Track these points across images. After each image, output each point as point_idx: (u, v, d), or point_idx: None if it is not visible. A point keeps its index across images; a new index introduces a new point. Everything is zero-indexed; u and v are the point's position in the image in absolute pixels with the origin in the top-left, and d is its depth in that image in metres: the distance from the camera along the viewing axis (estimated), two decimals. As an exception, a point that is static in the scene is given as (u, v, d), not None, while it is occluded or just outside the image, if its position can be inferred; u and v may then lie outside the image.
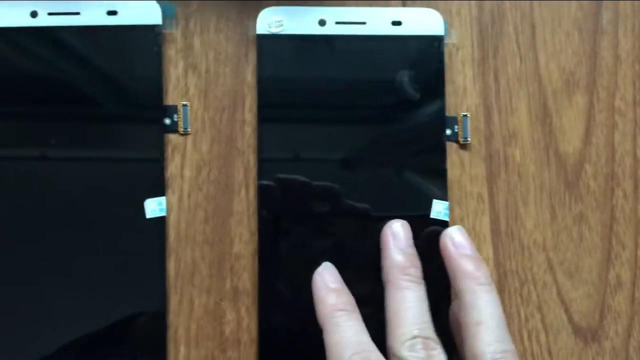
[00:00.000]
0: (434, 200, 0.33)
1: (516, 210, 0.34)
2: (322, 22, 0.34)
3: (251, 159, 0.34)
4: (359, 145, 0.34)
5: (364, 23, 0.34)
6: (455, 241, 0.31)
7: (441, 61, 0.34)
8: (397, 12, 0.34)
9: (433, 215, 0.33)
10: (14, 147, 0.33)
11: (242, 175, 0.34)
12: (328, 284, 0.31)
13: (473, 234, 0.34)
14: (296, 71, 0.34)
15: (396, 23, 0.34)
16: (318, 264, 0.32)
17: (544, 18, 0.35)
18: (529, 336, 0.34)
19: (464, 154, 0.34)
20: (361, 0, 0.35)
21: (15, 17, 0.33)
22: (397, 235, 0.31)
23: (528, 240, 0.34)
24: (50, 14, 0.33)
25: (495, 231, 0.34)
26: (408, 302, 0.29)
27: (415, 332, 0.29)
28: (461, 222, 0.34)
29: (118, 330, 0.32)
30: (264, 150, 0.33)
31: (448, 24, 0.35)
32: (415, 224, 0.32)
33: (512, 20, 0.35)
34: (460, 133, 0.34)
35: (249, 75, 0.34)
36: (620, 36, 0.35)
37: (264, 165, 0.33)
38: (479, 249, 0.34)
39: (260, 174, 0.33)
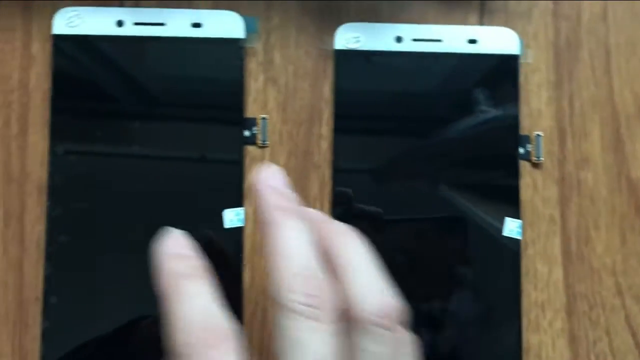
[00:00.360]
0: (507, 218, 0.34)
1: (587, 234, 0.35)
2: (398, 39, 0.35)
3: (326, 173, 0.34)
4: (433, 160, 0.34)
5: (440, 40, 0.35)
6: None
7: (516, 79, 0.35)
8: (473, 31, 0.35)
9: (505, 233, 0.33)
10: (95, 145, 0.33)
11: (317, 189, 0.34)
12: (169, 250, 0.25)
13: (544, 255, 0.34)
14: (372, 86, 0.35)
15: (472, 41, 0.35)
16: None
17: (618, 44, 0.36)
18: (597, 359, 0.34)
19: (537, 175, 0.35)
20: (438, 17, 0.35)
21: (102, 26, 0.34)
22: (264, 178, 0.26)
23: (598, 264, 0.35)
24: (136, 23, 0.34)
25: (566, 253, 0.34)
26: (284, 238, 0.25)
27: (295, 270, 0.24)
28: (533, 243, 0.34)
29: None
30: (339, 162, 0.34)
31: (524, 44, 0.35)
32: (487, 241, 0.33)
33: (588, 46, 0.36)
34: (533, 152, 0.35)
35: (327, 91, 0.35)
36: (695, 65, 0.36)
37: (339, 176, 0.34)
38: (549, 271, 0.34)
39: (335, 186, 0.34)
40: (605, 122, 0.35)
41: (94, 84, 0.34)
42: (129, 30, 0.34)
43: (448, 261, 0.33)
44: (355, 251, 0.26)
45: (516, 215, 0.34)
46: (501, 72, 0.35)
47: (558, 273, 0.34)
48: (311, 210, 0.28)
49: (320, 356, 0.23)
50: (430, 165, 0.34)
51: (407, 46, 0.35)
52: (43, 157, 0.34)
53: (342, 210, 0.33)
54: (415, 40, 0.35)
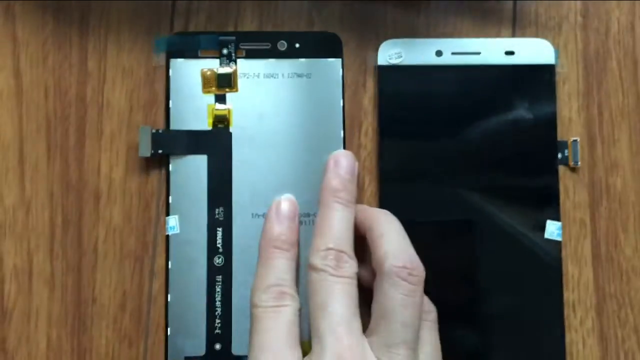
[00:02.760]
0: (548, 221, 0.35)
1: (616, 237, 0.36)
2: (438, 53, 0.36)
3: (366, 180, 0.36)
4: (474, 168, 0.36)
5: (478, 53, 0.36)
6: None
7: (553, 88, 0.36)
8: (510, 43, 0.36)
9: (547, 235, 0.35)
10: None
11: (359, 195, 0.36)
12: (280, 217, 0.33)
13: (575, 257, 0.36)
14: (414, 99, 0.36)
15: (509, 53, 0.36)
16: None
17: (646, 55, 0.37)
18: (625, 357, 0.36)
19: (569, 181, 0.36)
20: (472, 31, 0.37)
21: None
22: (338, 163, 0.33)
23: (627, 265, 0.36)
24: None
25: (596, 255, 0.36)
26: (331, 220, 0.32)
27: (331, 245, 0.31)
28: (564, 245, 0.36)
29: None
30: (385, 173, 0.36)
31: (559, 53, 0.37)
32: (530, 244, 0.35)
33: (616, 57, 0.37)
34: (570, 157, 0.36)
35: (366, 103, 0.37)
36: None
37: (385, 185, 0.36)
38: (580, 272, 0.36)
39: (381, 192, 0.36)
40: (634, 130, 0.37)
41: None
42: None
43: (493, 266, 0.35)
44: (388, 225, 0.32)
45: (556, 217, 0.35)
46: (538, 81, 0.36)
47: (588, 274, 0.36)
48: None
49: (341, 295, 0.30)
50: (473, 174, 0.36)
51: (447, 59, 0.36)
52: (98, 166, 0.36)
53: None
54: (454, 53, 0.36)
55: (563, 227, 0.36)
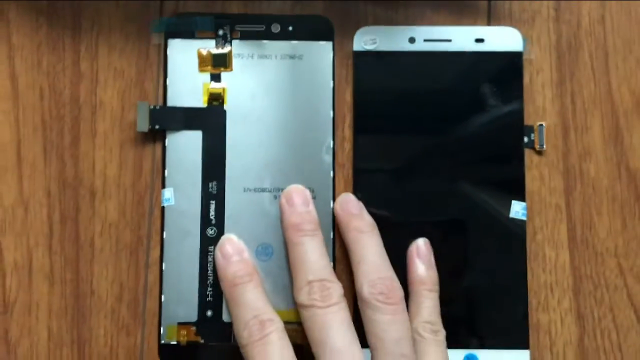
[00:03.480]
0: (513, 201, 0.37)
1: (590, 220, 0.38)
2: (412, 40, 0.38)
3: (349, 172, 0.38)
4: (445, 151, 0.37)
5: (449, 40, 0.38)
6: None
7: (520, 74, 0.38)
8: (480, 31, 0.38)
9: (512, 215, 0.37)
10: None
11: (343, 186, 0.38)
12: (228, 257, 0.35)
13: (552, 241, 0.38)
14: (388, 84, 0.38)
15: (479, 40, 0.38)
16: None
17: (616, 46, 0.39)
18: (602, 335, 0.37)
19: (544, 168, 0.38)
20: (448, 23, 0.38)
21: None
22: (291, 200, 0.35)
23: (601, 247, 0.38)
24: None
25: (571, 239, 0.38)
26: (303, 254, 0.33)
27: (310, 277, 0.32)
28: (541, 229, 0.38)
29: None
30: (358, 156, 0.37)
31: (527, 41, 0.38)
32: (496, 224, 0.36)
33: (588, 48, 0.39)
34: (536, 141, 0.38)
35: (348, 97, 0.38)
36: (687, 62, 0.39)
37: (358, 173, 0.37)
38: (557, 255, 0.37)
39: (355, 180, 0.37)
40: (605, 117, 0.38)
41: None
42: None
43: (463, 245, 0.37)
44: (366, 249, 0.34)
45: (522, 198, 0.37)
46: (506, 68, 0.38)
47: (565, 257, 0.38)
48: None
49: (336, 324, 0.32)
50: (443, 158, 0.37)
51: (419, 46, 0.38)
52: (93, 164, 0.37)
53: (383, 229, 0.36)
54: (426, 40, 0.38)
55: (539, 213, 0.38)
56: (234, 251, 0.35)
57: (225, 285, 0.34)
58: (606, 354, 0.37)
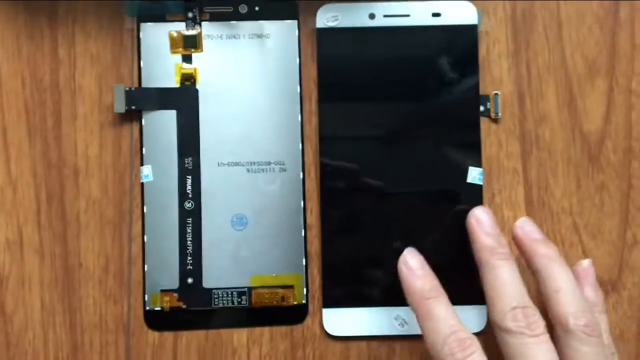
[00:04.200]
0: (470, 167, 0.39)
1: (546, 182, 0.40)
2: (372, 16, 0.40)
3: (316, 144, 0.40)
4: (404, 122, 0.40)
5: (408, 15, 0.40)
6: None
7: (475, 46, 0.40)
8: (436, 5, 0.40)
9: (469, 180, 0.39)
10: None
11: (311, 157, 0.40)
12: (414, 271, 0.36)
13: (509, 203, 0.40)
14: (350, 59, 0.40)
15: (436, 14, 0.40)
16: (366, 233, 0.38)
17: (569, 16, 0.41)
18: (559, 288, 0.40)
19: (502, 134, 0.40)
20: None
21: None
22: (480, 220, 0.36)
23: (557, 207, 0.40)
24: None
25: (528, 200, 0.40)
26: (502, 278, 0.34)
27: (514, 304, 0.33)
28: (499, 193, 0.40)
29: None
30: (323, 127, 0.40)
31: (481, 14, 0.40)
32: (454, 188, 0.39)
33: (542, 19, 0.41)
34: (492, 109, 0.40)
35: (314, 73, 0.40)
36: (636, 29, 0.41)
37: (324, 142, 0.40)
38: (515, 216, 0.40)
39: (322, 151, 0.39)
40: (559, 84, 0.40)
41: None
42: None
43: (425, 212, 0.39)
44: (564, 281, 0.35)
45: (479, 165, 0.39)
46: (463, 40, 0.40)
47: (522, 217, 0.40)
48: (520, 232, 0.37)
49: (545, 357, 0.33)
50: (403, 128, 0.39)
51: (379, 22, 0.40)
52: (75, 145, 0.40)
53: (349, 183, 0.39)
54: (386, 16, 0.40)
55: (497, 177, 0.40)
56: (418, 265, 0.36)
57: (414, 299, 0.35)
58: (563, 307, 0.40)
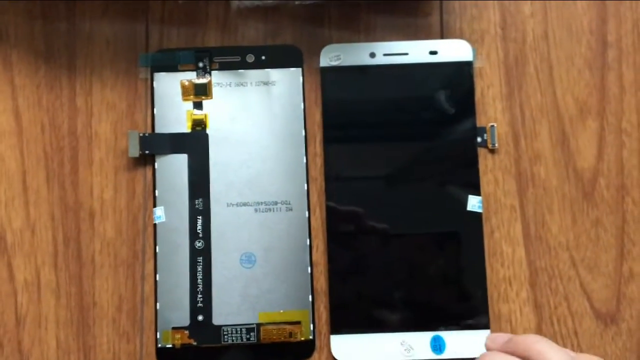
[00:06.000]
0: (470, 196, 0.41)
1: (543, 218, 0.42)
2: (372, 55, 0.42)
3: (322, 185, 0.42)
4: (404, 161, 0.42)
5: (406, 54, 0.42)
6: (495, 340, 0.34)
7: (471, 81, 0.42)
8: (433, 44, 0.42)
9: (469, 208, 0.41)
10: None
11: (316, 198, 0.42)
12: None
13: (508, 239, 0.41)
14: (352, 96, 0.42)
15: (433, 52, 0.42)
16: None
17: (559, 59, 0.43)
18: (558, 321, 0.41)
19: (498, 173, 0.42)
20: (407, 33, 0.43)
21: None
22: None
23: (554, 242, 0.42)
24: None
25: (526, 235, 0.42)
26: None
27: None
28: (498, 228, 0.41)
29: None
30: (328, 168, 0.41)
31: (476, 52, 0.42)
32: (454, 216, 0.40)
33: (533, 62, 0.43)
34: (489, 140, 0.42)
35: (318, 117, 0.42)
36: (624, 70, 0.43)
37: (329, 182, 0.41)
38: (513, 251, 0.41)
39: (327, 191, 0.41)
40: (552, 124, 0.42)
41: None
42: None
43: (428, 239, 0.41)
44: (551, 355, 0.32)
45: (478, 193, 0.41)
46: (459, 76, 0.42)
47: (520, 252, 0.41)
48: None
49: None
50: (405, 161, 0.41)
51: (379, 60, 0.42)
52: (91, 189, 0.41)
53: (355, 226, 0.41)
54: (386, 54, 0.42)
55: (496, 213, 0.42)
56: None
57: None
58: (563, 339, 0.41)
